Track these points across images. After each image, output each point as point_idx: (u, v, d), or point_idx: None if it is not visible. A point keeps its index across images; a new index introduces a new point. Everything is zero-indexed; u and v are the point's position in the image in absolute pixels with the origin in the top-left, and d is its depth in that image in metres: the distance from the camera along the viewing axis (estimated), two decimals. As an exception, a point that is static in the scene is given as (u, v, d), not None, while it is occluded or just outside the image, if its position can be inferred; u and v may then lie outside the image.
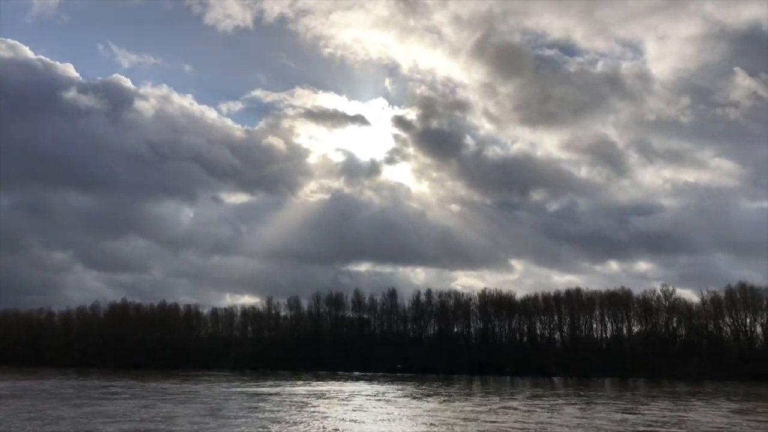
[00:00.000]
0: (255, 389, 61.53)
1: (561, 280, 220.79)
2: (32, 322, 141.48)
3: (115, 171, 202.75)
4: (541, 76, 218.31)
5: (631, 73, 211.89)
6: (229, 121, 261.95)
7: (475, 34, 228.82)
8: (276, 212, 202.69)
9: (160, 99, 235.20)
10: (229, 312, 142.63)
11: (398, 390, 62.17)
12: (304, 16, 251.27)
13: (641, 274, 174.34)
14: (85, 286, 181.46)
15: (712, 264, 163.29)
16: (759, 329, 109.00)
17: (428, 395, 55.01)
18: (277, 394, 54.25)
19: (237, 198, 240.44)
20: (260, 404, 42.89)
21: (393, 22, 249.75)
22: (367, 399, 49.76)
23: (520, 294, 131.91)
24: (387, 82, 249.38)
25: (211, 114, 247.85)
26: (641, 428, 29.75)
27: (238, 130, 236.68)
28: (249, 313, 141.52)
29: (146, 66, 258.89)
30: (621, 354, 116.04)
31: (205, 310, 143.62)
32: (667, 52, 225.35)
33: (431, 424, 31.49)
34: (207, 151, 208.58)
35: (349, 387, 68.32)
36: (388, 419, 32.89)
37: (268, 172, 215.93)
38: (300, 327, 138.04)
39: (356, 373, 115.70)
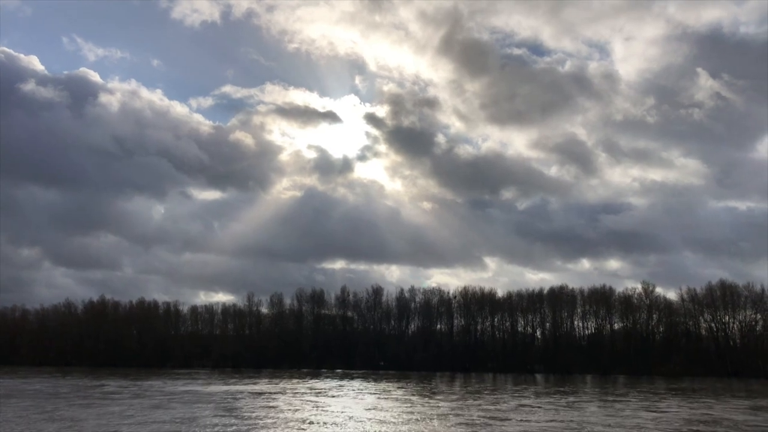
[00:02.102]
0: (249, 388, 60.94)
1: (534, 278, 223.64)
2: (7, 320, 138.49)
3: (81, 166, 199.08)
4: (507, 75, 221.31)
5: (597, 74, 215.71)
6: (198, 117, 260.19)
7: (440, 31, 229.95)
8: (248, 209, 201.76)
9: (127, 94, 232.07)
10: (210, 310, 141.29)
11: (397, 390, 62.00)
12: (271, 12, 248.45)
13: (613, 272, 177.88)
14: (54, 284, 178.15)
15: (681, 262, 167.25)
16: (737, 326, 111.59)
17: (433, 393, 55.08)
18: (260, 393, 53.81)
19: (207, 194, 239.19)
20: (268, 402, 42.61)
21: (359, 18, 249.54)
22: (351, 397, 49.76)
23: (495, 291, 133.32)
24: (357, 80, 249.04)
25: (182, 110, 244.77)
26: (686, 428, 30.10)
27: (205, 125, 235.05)
28: (230, 311, 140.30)
29: (113, 60, 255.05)
30: (602, 351, 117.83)
31: (185, 308, 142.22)
32: (632, 53, 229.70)
33: (460, 424, 31.55)
34: (174, 147, 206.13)
35: (321, 384, 68.09)
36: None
37: (238, 168, 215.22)
38: (282, 325, 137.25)
39: (339, 371, 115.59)
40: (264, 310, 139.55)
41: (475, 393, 55.30)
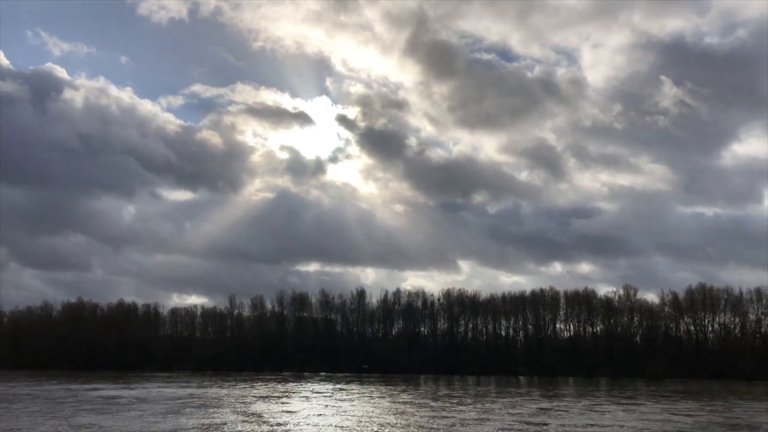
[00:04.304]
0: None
1: (508, 281, 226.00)
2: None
3: (46, 164, 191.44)
4: (475, 77, 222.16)
5: (565, 79, 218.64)
6: (169, 116, 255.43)
7: (406, 32, 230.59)
8: (220, 210, 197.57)
9: (94, 90, 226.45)
10: (190, 312, 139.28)
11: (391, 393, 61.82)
12: (237, 9, 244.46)
13: (584, 276, 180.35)
14: (22, 285, 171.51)
15: (651, 266, 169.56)
16: (716, 328, 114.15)
17: (440, 397, 55.01)
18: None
19: (178, 194, 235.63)
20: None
21: (324, 17, 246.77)
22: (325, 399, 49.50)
23: (479, 294, 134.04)
24: (328, 81, 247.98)
25: (153, 108, 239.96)
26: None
27: (173, 123, 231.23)
28: (210, 313, 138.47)
29: (79, 56, 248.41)
30: (585, 353, 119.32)
31: (164, 310, 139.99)
32: (600, 60, 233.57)
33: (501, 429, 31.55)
34: (142, 145, 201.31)
35: (297, 387, 67.73)
36: None
37: (207, 168, 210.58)
38: (263, 327, 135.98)
39: (322, 373, 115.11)
40: (245, 312, 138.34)
41: (496, 396, 55.42)
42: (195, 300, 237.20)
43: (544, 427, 31.63)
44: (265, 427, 31.72)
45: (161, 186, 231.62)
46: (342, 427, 31.96)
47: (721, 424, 32.68)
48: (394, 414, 38.14)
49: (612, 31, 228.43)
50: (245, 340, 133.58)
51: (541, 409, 41.94)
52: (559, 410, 40.97)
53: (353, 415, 37.51)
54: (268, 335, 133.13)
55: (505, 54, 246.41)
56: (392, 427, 31.69)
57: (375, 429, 30.96)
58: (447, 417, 36.36)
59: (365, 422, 33.70)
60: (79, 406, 43.51)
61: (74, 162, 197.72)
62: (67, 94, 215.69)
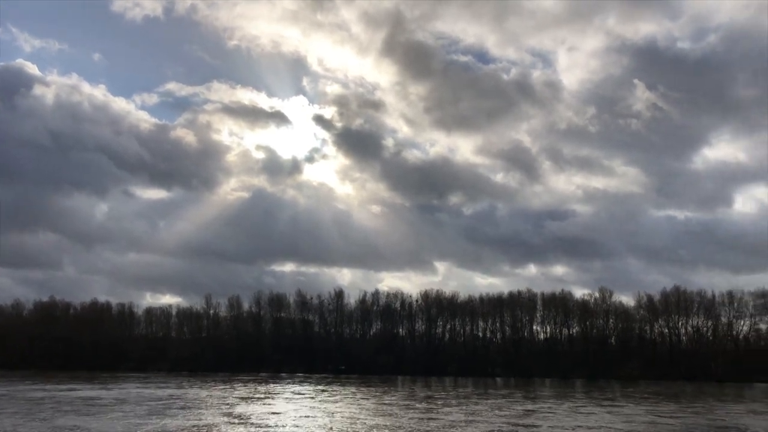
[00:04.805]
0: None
1: (483, 282, 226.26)
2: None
3: (15, 160, 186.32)
4: (451, 79, 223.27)
5: (541, 82, 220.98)
6: (142, 114, 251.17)
7: (382, 32, 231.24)
8: (195, 209, 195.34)
9: (66, 87, 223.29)
10: (165, 312, 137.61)
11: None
12: (212, 8, 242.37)
13: (559, 278, 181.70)
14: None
15: (624, 268, 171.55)
16: (689, 331, 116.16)
17: (434, 399, 55.00)
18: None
19: (152, 193, 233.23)
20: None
21: (301, 16, 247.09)
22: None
23: (457, 295, 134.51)
24: (305, 81, 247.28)
25: (127, 106, 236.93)
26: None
27: (146, 122, 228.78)
28: (186, 313, 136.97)
29: (51, 52, 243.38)
30: (561, 355, 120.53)
31: (139, 310, 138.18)
32: (575, 64, 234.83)
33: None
34: (114, 143, 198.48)
35: (277, 388, 67.45)
36: None
37: (182, 166, 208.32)
38: (240, 327, 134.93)
39: (300, 374, 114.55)
40: (222, 312, 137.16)
41: (494, 398, 55.60)
42: (169, 300, 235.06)
43: (534, 429, 31.82)
44: (255, 429, 31.44)
45: (134, 184, 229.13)
46: (332, 428, 31.79)
47: (707, 426, 33.21)
48: (382, 416, 38.09)
49: (587, 35, 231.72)
50: (221, 340, 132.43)
51: (527, 410, 42.22)
52: (545, 412, 41.28)
53: (342, 417, 37.36)
54: (245, 336, 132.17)
55: (482, 56, 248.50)
56: (385, 428, 31.62)
57: (367, 431, 30.86)
58: (436, 419, 36.41)
59: (355, 424, 33.58)
60: (59, 408, 42.69)
61: (45, 159, 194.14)
62: (38, 90, 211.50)
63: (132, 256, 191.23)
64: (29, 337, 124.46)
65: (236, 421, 34.92)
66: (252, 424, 33.61)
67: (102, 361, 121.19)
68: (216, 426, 32.44)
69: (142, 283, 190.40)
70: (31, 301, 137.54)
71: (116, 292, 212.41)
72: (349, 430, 31.32)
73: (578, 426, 32.60)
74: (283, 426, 32.82)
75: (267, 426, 32.79)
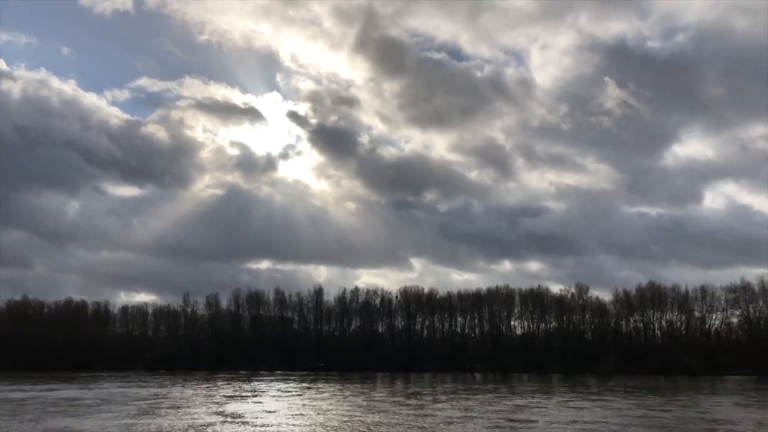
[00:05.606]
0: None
1: (459, 278, 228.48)
2: None
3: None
4: (425, 76, 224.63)
5: (514, 80, 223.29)
6: (114, 110, 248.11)
7: (355, 28, 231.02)
8: (168, 206, 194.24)
9: (33, 82, 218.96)
10: (141, 310, 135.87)
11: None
12: (185, 2, 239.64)
13: (533, 274, 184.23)
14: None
15: (597, 264, 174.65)
16: (663, 326, 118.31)
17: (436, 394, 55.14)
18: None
19: (124, 190, 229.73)
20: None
21: (272, 11, 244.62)
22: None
23: (436, 292, 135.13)
24: (279, 77, 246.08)
25: (97, 101, 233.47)
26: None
27: (116, 117, 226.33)
28: (163, 312, 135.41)
29: (18, 46, 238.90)
30: (538, 350, 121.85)
31: (115, 308, 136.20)
32: (548, 62, 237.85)
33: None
34: (84, 138, 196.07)
35: (262, 386, 67.28)
36: None
37: (154, 163, 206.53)
38: (217, 326, 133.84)
39: (278, 372, 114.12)
40: (199, 310, 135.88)
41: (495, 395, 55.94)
42: (143, 298, 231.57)
43: (532, 424, 32.20)
44: (253, 428, 31.29)
45: (106, 181, 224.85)
46: (330, 426, 31.78)
47: (699, 420, 33.94)
48: (377, 413, 38.17)
49: (559, 33, 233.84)
50: (199, 338, 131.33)
51: (518, 406, 42.68)
52: (536, 407, 41.79)
53: (336, 414, 37.38)
54: (224, 334, 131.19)
55: (456, 53, 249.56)
56: (383, 426, 31.70)
57: (366, 429, 30.91)
58: (431, 415, 36.61)
59: (352, 421, 33.62)
60: (44, 409, 41.97)
61: (12, 155, 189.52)
62: (4, 84, 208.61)
63: (105, 255, 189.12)
64: (2, 338, 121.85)
65: (231, 420, 34.72)
66: (248, 423, 33.44)
67: (78, 360, 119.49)
68: (212, 425, 32.23)
69: (116, 281, 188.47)
70: (2, 301, 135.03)
71: (89, 290, 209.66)
72: (348, 427, 31.34)
73: (574, 421, 33.04)
74: (279, 425, 32.70)
75: (265, 425, 32.66)
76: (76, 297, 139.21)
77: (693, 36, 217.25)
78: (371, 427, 31.11)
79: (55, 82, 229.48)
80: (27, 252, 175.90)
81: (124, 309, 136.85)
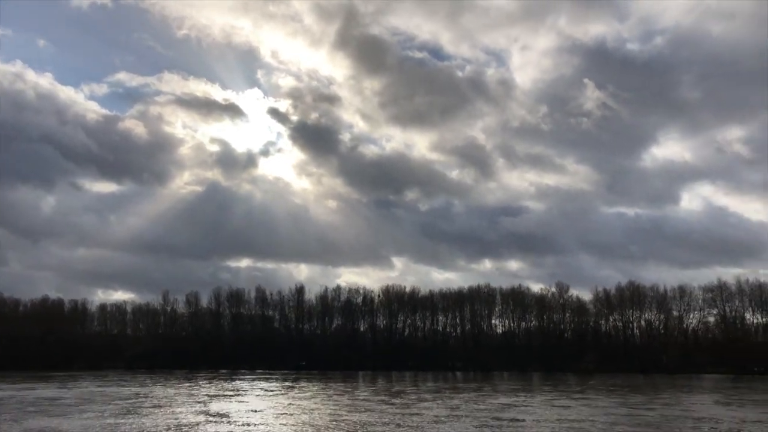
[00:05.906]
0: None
1: (440, 277, 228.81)
2: None
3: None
4: (406, 74, 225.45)
5: (494, 80, 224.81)
6: (92, 104, 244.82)
7: (335, 25, 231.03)
8: (146, 203, 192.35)
9: (8, 75, 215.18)
10: (120, 308, 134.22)
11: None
12: None
13: (513, 273, 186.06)
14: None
15: (577, 264, 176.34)
16: (642, 325, 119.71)
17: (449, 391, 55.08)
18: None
19: (101, 186, 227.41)
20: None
21: (252, 6, 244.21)
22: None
23: (418, 290, 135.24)
24: (260, 74, 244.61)
25: (75, 96, 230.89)
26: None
27: (93, 112, 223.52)
28: (142, 310, 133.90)
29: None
30: (519, 348, 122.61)
31: (92, 306, 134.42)
32: (528, 62, 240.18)
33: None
34: (60, 133, 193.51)
35: (244, 386, 66.94)
36: None
37: (132, 159, 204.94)
38: (198, 324, 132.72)
39: (259, 371, 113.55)
40: (179, 308, 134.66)
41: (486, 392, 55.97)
42: (121, 296, 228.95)
43: (519, 422, 32.29)
44: (239, 428, 30.99)
45: (82, 177, 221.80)
46: (319, 426, 31.58)
47: (684, 418, 34.25)
48: (362, 411, 38.05)
49: (539, 34, 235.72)
50: (179, 337, 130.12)
51: (503, 404, 42.79)
52: (521, 405, 41.95)
53: (322, 414, 37.16)
54: (204, 332, 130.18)
55: (436, 53, 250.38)
56: (371, 425, 31.58)
57: (355, 428, 30.76)
58: (417, 414, 36.56)
59: (339, 421, 33.44)
60: (24, 408, 41.24)
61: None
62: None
63: (81, 252, 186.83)
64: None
65: (216, 419, 34.33)
66: (234, 422, 33.10)
67: (55, 359, 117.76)
68: (198, 425, 31.85)
69: (93, 279, 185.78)
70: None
71: (65, 288, 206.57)
72: (335, 426, 31.17)
73: (560, 419, 33.19)
74: (267, 424, 32.42)
75: (251, 424, 32.34)
76: (52, 295, 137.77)
77: (670, 39, 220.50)
78: (360, 427, 30.96)
79: (31, 75, 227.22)
80: (1, 248, 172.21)
81: (102, 307, 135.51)
